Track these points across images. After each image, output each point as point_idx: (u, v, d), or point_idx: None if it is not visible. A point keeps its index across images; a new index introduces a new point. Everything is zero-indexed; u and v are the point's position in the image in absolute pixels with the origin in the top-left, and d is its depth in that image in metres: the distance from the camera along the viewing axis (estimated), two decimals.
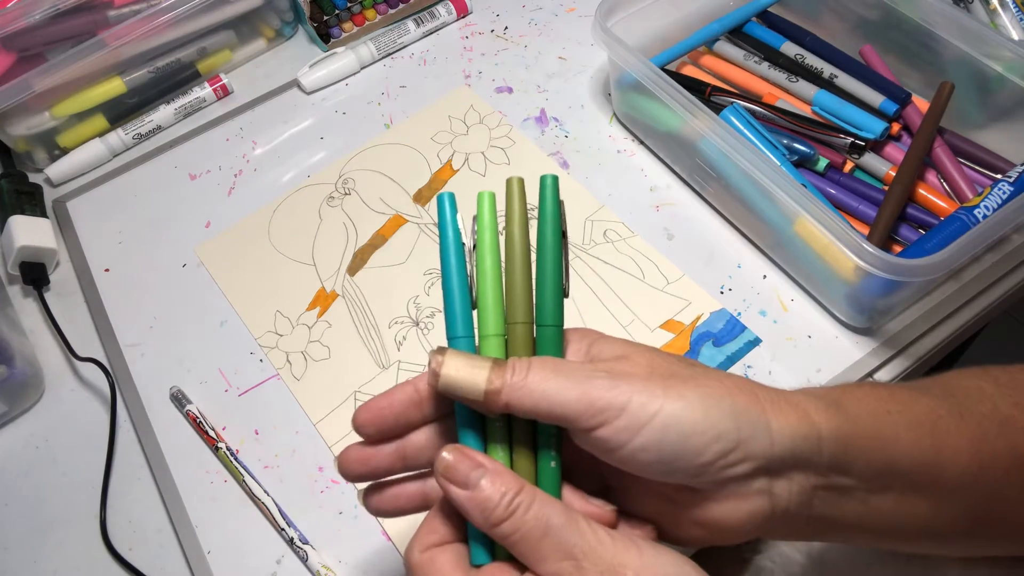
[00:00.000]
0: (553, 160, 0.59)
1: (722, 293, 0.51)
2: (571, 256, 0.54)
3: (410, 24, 0.68)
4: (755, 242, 0.53)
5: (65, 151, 0.63)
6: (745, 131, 0.51)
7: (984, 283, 0.50)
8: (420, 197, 0.58)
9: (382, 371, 0.50)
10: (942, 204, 0.51)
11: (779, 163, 0.50)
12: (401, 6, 0.70)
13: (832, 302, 0.49)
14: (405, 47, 0.68)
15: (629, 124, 0.60)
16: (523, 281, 0.30)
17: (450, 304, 0.30)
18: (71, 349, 0.52)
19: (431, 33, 0.69)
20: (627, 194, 0.57)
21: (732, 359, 0.48)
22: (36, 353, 0.54)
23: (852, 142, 0.52)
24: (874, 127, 0.53)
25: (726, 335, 0.49)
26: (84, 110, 0.62)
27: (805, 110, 0.56)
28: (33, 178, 0.63)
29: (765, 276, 0.52)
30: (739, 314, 0.50)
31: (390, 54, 0.68)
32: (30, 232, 0.56)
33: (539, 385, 0.27)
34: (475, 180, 0.59)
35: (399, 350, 0.51)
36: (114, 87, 0.62)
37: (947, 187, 0.53)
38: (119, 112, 0.64)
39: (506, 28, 0.69)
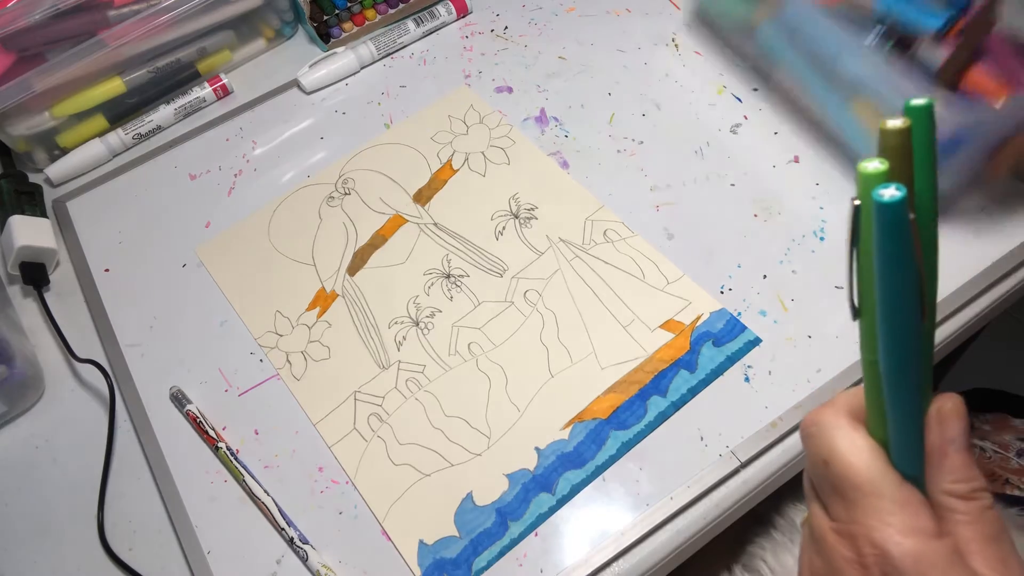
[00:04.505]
0: (553, 160, 0.59)
1: (722, 293, 0.51)
2: (570, 256, 0.54)
3: (410, 24, 0.68)
4: (812, 131, 0.57)
5: (65, 151, 0.63)
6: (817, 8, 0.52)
7: (984, 283, 0.50)
8: (420, 197, 0.58)
9: (382, 371, 0.50)
10: (993, 88, 0.49)
11: (848, 38, 0.50)
12: (401, 6, 0.70)
13: None
14: (405, 47, 0.68)
15: (705, 24, 0.63)
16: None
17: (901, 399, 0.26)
18: (71, 350, 0.52)
19: (431, 33, 0.69)
20: (627, 194, 0.57)
21: (732, 359, 0.48)
22: (36, 353, 0.54)
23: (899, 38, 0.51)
24: (933, 22, 0.52)
25: (726, 335, 0.49)
26: (84, 110, 0.62)
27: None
28: (33, 178, 0.63)
29: (765, 276, 0.52)
30: (739, 314, 0.50)
31: (390, 54, 0.68)
32: (30, 232, 0.56)
33: None
34: (475, 180, 0.59)
35: (399, 350, 0.51)
36: (114, 87, 0.62)
37: (1001, 74, 0.51)
38: (119, 112, 0.64)
39: (506, 28, 0.69)
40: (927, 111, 0.24)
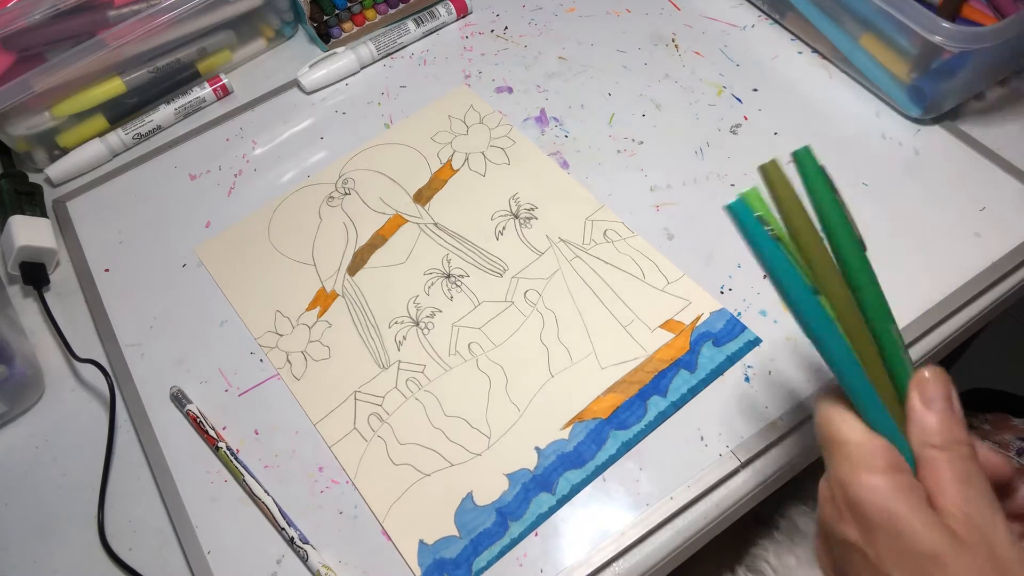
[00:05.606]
0: (553, 160, 0.59)
1: (722, 293, 0.51)
2: (570, 256, 0.54)
3: (410, 24, 0.68)
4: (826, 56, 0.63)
5: (65, 151, 0.63)
6: None
7: (984, 283, 0.50)
8: (420, 197, 0.58)
9: (382, 371, 0.50)
10: (986, 19, 0.55)
11: None
12: (401, 6, 0.70)
13: (893, 97, 0.58)
14: (405, 47, 0.68)
15: None
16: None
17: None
18: (71, 350, 0.52)
19: (431, 33, 0.69)
20: (627, 194, 0.57)
21: (732, 359, 0.48)
22: (36, 353, 0.54)
23: None
24: None
25: (726, 335, 0.49)
26: (84, 110, 0.62)
27: None
28: (33, 178, 0.63)
29: (765, 276, 0.52)
30: (739, 314, 0.50)
31: (390, 54, 0.68)
32: (30, 232, 0.56)
33: None
34: (475, 180, 0.59)
35: (399, 350, 0.51)
36: (114, 87, 0.62)
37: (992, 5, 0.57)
38: (119, 112, 0.64)
39: (506, 28, 0.69)
40: (806, 153, 0.34)
